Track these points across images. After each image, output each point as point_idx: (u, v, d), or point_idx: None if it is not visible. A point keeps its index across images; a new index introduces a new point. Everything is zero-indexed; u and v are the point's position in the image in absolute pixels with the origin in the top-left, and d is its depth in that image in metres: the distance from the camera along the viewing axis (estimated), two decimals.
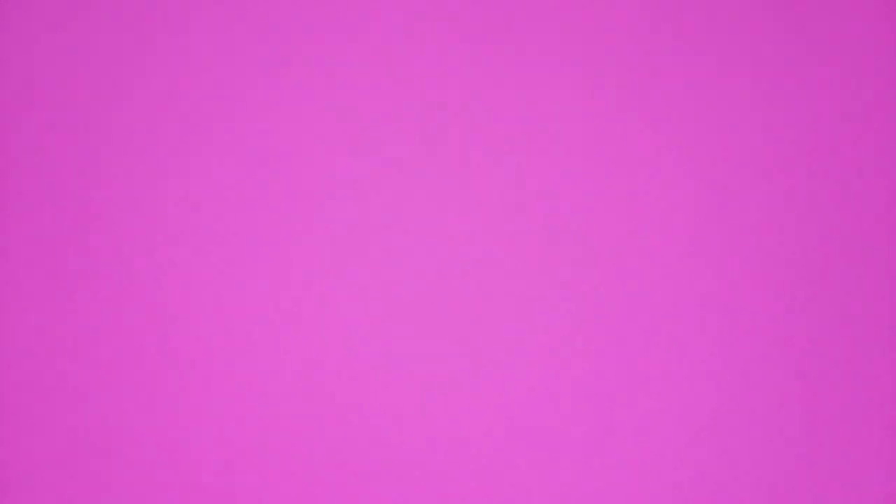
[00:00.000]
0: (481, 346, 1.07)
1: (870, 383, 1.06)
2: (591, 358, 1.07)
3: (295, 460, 1.07)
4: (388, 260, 1.08)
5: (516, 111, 1.08)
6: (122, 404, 1.07)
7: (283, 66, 1.09)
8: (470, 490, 1.06)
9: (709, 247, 1.07)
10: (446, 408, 1.07)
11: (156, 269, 1.08)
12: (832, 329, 1.07)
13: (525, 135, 1.08)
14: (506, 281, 1.07)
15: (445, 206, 1.08)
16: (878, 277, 1.07)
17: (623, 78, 1.08)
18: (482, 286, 1.07)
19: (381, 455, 1.07)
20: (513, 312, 1.07)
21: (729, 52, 1.08)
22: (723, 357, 1.07)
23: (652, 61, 1.08)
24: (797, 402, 1.06)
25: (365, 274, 1.08)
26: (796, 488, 1.06)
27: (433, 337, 1.07)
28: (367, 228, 1.08)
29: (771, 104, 1.08)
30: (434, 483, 1.07)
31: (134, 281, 1.08)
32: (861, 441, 1.06)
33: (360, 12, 1.09)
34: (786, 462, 1.06)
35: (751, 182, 1.08)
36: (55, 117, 1.09)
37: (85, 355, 1.07)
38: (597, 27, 1.09)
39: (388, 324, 1.07)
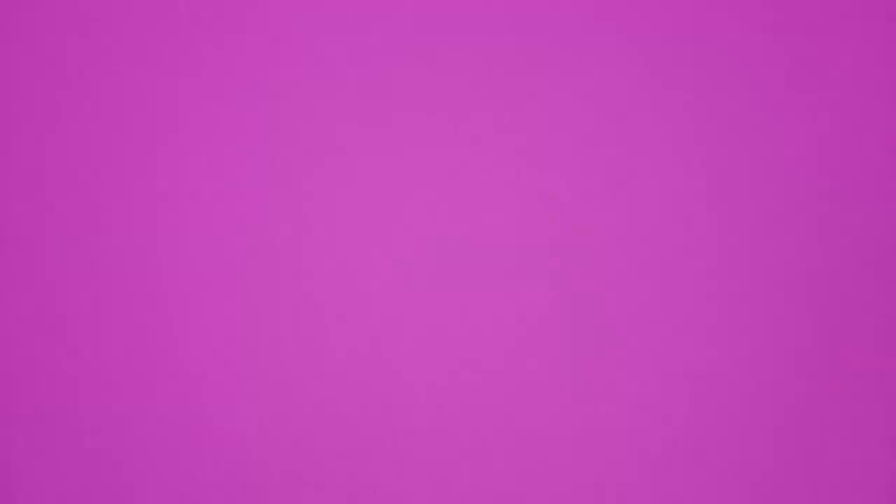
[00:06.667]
0: (482, 347, 1.07)
1: (872, 385, 1.06)
2: (592, 360, 1.07)
3: (296, 460, 1.07)
4: (389, 260, 1.08)
5: (518, 113, 1.08)
6: (123, 404, 1.07)
7: (284, 62, 1.09)
8: (469, 489, 1.07)
9: (709, 249, 1.07)
10: (444, 409, 1.07)
11: (156, 269, 1.08)
12: (832, 330, 1.07)
13: (527, 136, 1.08)
14: (507, 282, 1.08)
15: (445, 208, 1.08)
16: (878, 280, 1.07)
17: (625, 81, 1.08)
18: (483, 287, 1.08)
19: (382, 456, 1.07)
20: (513, 314, 1.07)
21: (731, 58, 1.08)
22: (724, 358, 1.07)
23: (653, 65, 1.08)
24: (797, 404, 1.06)
25: (366, 274, 1.08)
26: (795, 488, 1.06)
27: (433, 338, 1.07)
28: (369, 229, 1.08)
29: (772, 109, 1.08)
30: (433, 483, 1.07)
31: (134, 280, 1.08)
32: (862, 442, 1.06)
33: (362, 10, 1.09)
34: (785, 463, 1.06)
35: (753, 186, 1.08)
36: (54, 116, 1.09)
37: (85, 356, 1.08)
38: (598, 29, 1.09)
39: (389, 325, 1.07)
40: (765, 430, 1.06)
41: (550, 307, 1.07)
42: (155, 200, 1.09)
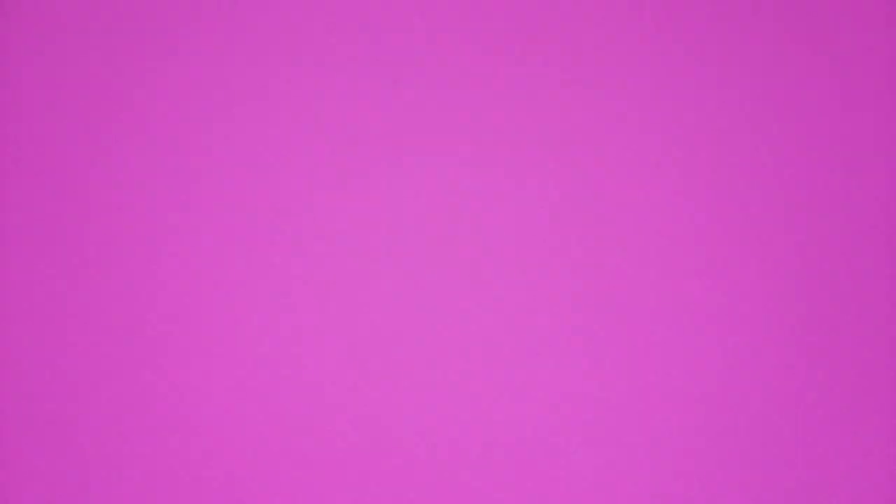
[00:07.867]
0: (481, 348, 1.07)
1: (870, 385, 1.06)
2: (592, 361, 1.07)
3: (295, 464, 1.07)
4: (389, 261, 1.08)
5: (518, 113, 1.08)
6: (123, 405, 1.07)
7: (284, 67, 1.09)
8: (471, 493, 1.07)
9: (708, 248, 1.07)
10: (443, 411, 1.07)
11: (157, 271, 1.08)
12: (832, 330, 1.07)
13: (525, 136, 1.08)
14: (506, 283, 1.07)
15: (445, 208, 1.08)
16: (877, 280, 1.07)
17: (624, 80, 1.08)
18: (482, 288, 1.08)
19: (381, 458, 1.07)
20: (512, 315, 1.07)
21: (729, 57, 1.09)
22: (723, 359, 1.07)
23: (652, 65, 1.09)
24: (797, 404, 1.06)
25: (365, 276, 1.08)
26: (796, 489, 1.06)
27: (432, 339, 1.07)
28: (369, 229, 1.08)
29: (770, 108, 1.08)
30: (433, 486, 1.07)
31: (135, 282, 1.08)
32: (861, 443, 1.06)
33: (360, 12, 1.10)
34: (785, 463, 1.06)
35: (751, 185, 1.08)
36: (56, 118, 1.09)
37: (85, 356, 1.07)
38: (597, 29, 1.09)
39: (389, 326, 1.07)
40: (766, 430, 1.06)
41: (551, 310, 1.07)
42: (153, 204, 1.09)
